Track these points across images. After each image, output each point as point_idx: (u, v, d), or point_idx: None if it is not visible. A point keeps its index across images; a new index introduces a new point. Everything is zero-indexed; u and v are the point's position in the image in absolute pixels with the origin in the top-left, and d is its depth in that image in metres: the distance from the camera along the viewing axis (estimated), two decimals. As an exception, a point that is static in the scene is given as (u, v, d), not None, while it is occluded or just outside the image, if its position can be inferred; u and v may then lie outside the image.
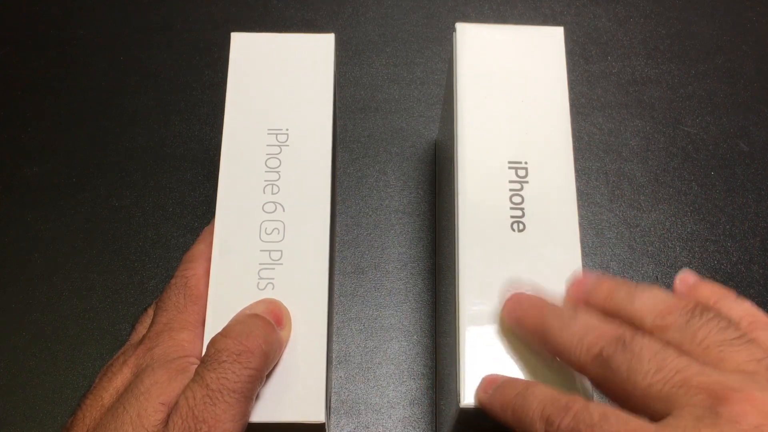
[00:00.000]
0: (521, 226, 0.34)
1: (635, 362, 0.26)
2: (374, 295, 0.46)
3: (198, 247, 0.36)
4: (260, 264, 0.34)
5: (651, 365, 0.26)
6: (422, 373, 0.44)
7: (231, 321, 0.32)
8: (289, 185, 0.35)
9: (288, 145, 0.36)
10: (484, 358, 0.32)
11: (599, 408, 0.26)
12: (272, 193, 0.35)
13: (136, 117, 0.51)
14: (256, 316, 0.31)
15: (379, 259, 0.47)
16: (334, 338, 0.44)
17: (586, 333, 0.28)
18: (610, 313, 0.30)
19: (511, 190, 0.35)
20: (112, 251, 0.46)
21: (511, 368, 0.32)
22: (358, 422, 0.42)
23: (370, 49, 0.54)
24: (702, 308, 0.27)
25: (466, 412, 0.32)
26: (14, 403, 0.41)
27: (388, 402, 0.43)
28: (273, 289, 0.33)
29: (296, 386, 0.31)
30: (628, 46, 0.54)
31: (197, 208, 0.48)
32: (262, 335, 0.30)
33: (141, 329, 0.35)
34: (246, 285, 0.33)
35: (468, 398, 0.31)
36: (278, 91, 0.37)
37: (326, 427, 0.32)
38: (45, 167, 0.49)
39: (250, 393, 0.29)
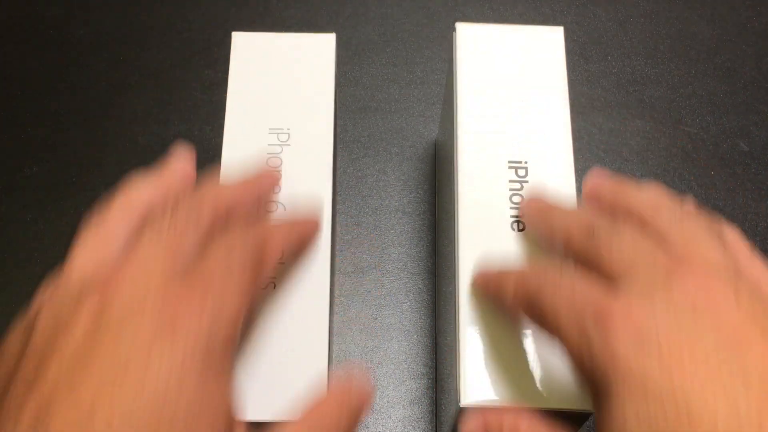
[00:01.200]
0: (521, 226, 0.34)
1: (616, 234, 0.27)
2: (374, 295, 0.46)
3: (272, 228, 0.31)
4: None
5: (629, 238, 0.27)
6: (422, 373, 0.44)
7: None
8: (291, 184, 0.35)
9: (289, 145, 0.36)
10: (483, 358, 0.32)
11: (568, 269, 0.28)
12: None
13: (136, 117, 0.51)
14: None
15: (379, 259, 0.47)
16: (334, 338, 0.44)
17: (578, 217, 0.30)
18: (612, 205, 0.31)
19: (511, 189, 0.35)
20: (112, 251, 0.46)
21: (510, 368, 0.32)
22: (359, 422, 0.42)
23: (370, 49, 0.54)
24: (697, 213, 0.28)
25: (466, 412, 0.32)
26: (14, 403, 0.41)
27: (388, 402, 0.43)
28: (275, 288, 0.33)
29: (298, 386, 0.31)
30: (628, 46, 0.54)
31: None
32: None
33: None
34: None
35: (468, 398, 0.31)
36: (279, 91, 0.37)
37: None
38: (45, 167, 0.49)
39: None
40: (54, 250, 0.46)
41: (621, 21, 0.55)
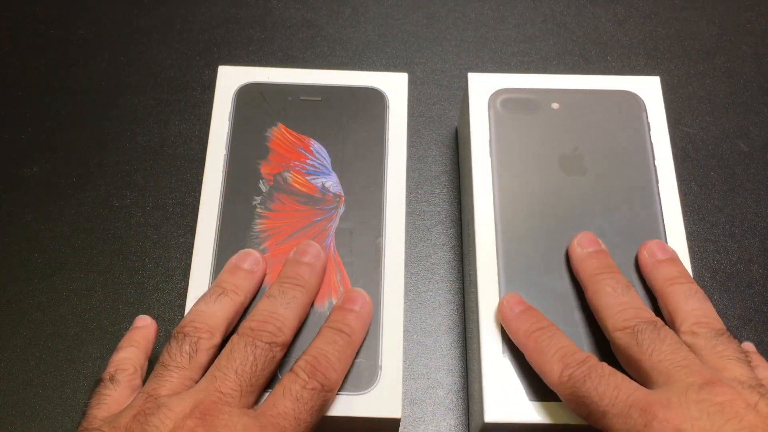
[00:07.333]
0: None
1: (658, 342, 0.32)
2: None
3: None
4: None
5: (668, 348, 0.31)
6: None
7: None
8: None
9: None
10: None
11: (609, 367, 0.31)
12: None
13: (136, 117, 0.51)
14: None
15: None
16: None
17: (629, 307, 0.34)
18: (661, 296, 0.35)
19: None
20: (112, 251, 0.46)
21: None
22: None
23: (370, 49, 0.54)
24: (729, 335, 0.33)
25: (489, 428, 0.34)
26: (14, 403, 0.41)
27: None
28: None
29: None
30: (628, 46, 0.54)
31: (197, 208, 0.47)
32: None
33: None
34: None
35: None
36: None
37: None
38: (45, 167, 0.49)
39: None
40: (54, 250, 0.46)
41: (621, 21, 0.55)
